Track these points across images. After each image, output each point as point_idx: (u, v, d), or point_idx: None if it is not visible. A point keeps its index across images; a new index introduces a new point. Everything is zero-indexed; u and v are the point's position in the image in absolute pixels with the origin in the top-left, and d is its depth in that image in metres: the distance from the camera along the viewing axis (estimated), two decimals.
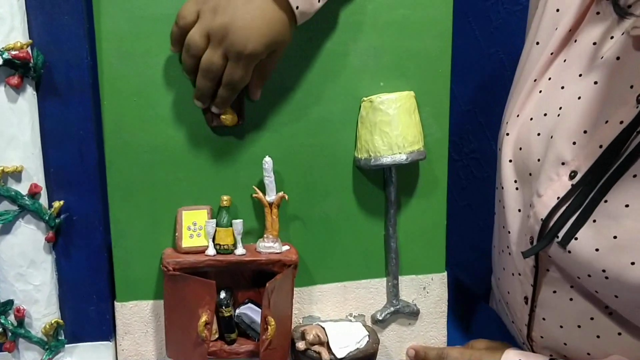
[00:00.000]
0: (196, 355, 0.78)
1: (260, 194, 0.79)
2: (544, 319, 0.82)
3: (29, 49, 0.72)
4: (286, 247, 0.80)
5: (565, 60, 0.78)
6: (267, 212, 0.79)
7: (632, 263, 0.66)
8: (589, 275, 0.71)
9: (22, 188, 0.75)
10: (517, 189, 0.83)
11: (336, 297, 0.87)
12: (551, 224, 0.75)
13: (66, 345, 0.82)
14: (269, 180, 0.78)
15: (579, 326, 0.77)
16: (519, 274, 0.84)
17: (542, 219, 0.76)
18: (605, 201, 0.69)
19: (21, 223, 0.76)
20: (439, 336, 0.91)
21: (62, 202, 0.77)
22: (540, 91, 0.81)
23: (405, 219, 0.86)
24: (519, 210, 0.83)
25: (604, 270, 0.69)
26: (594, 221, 0.70)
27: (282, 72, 0.79)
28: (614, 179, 0.69)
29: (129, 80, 0.76)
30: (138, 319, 0.83)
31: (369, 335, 0.83)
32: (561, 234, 0.73)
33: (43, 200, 0.76)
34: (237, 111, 0.78)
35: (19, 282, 0.77)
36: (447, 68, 0.82)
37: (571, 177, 0.74)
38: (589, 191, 0.71)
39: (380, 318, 0.87)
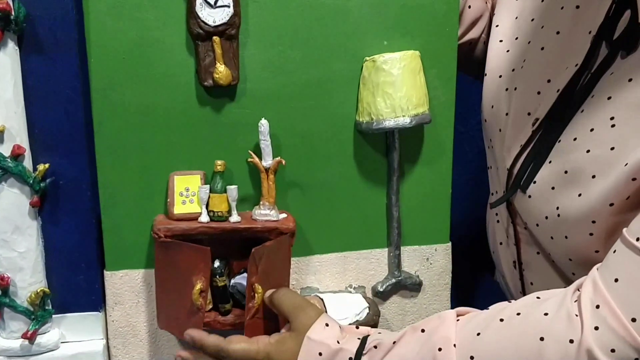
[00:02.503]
0: (191, 324, 0.76)
1: (256, 159, 0.77)
2: (532, 283, 0.83)
3: (9, 0, 0.68)
4: (283, 215, 0.79)
5: (533, 20, 0.81)
6: (263, 178, 0.77)
7: (579, 195, 0.69)
8: (546, 218, 0.73)
9: (5, 149, 0.72)
10: (490, 147, 0.86)
11: (335, 267, 0.85)
12: (515, 172, 0.78)
13: (54, 316, 0.80)
14: (265, 144, 0.76)
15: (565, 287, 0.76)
16: (507, 237, 0.85)
17: (507, 168, 0.79)
18: (559, 141, 0.72)
19: (4, 186, 0.73)
20: (442, 309, 0.89)
21: (47, 165, 0.75)
22: (508, 50, 0.83)
23: (408, 187, 0.84)
24: (489, 168, 0.87)
25: (557, 208, 0.71)
26: (550, 162, 0.73)
27: (279, 30, 0.77)
28: (568, 120, 0.72)
29: (118, 36, 0.74)
30: (129, 288, 0.81)
31: (369, 307, 0.82)
32: (523, 181, 0.76)
33: (27, 162, 0.74)
34: (231, 68, 0.75)
35: (3, 249, 0.75)
36: (454, 27, 0.81)
37: (533, 125, 0.77)
38: (546, 134, 0.74)
39: (381, 290, 0.86)
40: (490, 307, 0.67)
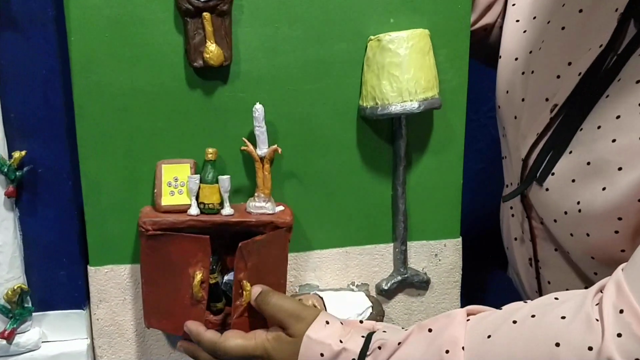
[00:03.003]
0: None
1: (251, 147, 0.75)
2: (549, 282, 0.81)
3: None
4: (280, 208, 0.77)
5: None
6: (258, 167, 0.75)
7: (604, 189, 0.66)
8: (566, 213, 0.71)
9: None
10: (504, 135, 0.84)
11: (337, 264, 0.84)
12: (530, 163, 0.75)
13: (34, 314, 0.78)
14: (260, 131, 0.74)
15: (585, 288, 0.74)
16: (522, 232, 0.83)
17: (522, 158, 0.77)
18: (581, 129, 0.70)
19: None
20: (450, 309, 0.87)
21: (23, 153, 0.72)
22: (525, 31, 0.81)
23: (415, 177, 0.83)
24: (504, 158, 0.85)
25: (578, 203, 0.69)
26: (570, 152, 0.70)
27: (276, 5, 0.75)
28: (590, 106, 0.69)
29: (100, 11, 0.71)
30: (114, 284, 0.79)
31: (372, 307, 0.81)
32: (540, 172, 0.74)
33: (1, 149, 0.71)
34: (223, 48, 0.72)
35: None
36: (467, 3, 0.78)
37: (552, 111, 0.74)
38: (566, 122, 0.72)
39: (386, 288, 0.84)
40: (503, 307, 0.64)
